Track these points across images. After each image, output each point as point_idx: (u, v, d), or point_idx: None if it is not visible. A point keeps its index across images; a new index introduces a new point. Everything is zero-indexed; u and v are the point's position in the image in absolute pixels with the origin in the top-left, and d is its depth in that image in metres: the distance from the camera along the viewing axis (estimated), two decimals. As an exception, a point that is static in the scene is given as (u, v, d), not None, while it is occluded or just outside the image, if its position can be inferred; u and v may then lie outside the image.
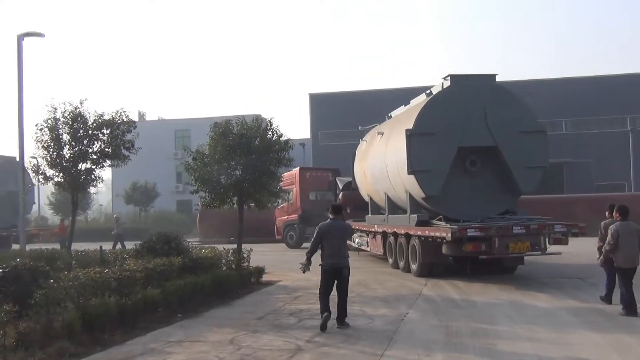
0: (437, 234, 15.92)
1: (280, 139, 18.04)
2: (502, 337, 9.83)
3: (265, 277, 18.98)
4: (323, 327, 10.59)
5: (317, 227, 11.26)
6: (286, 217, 32.91)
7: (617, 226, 11.30)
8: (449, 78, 17.38)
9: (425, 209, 17.80)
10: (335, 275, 10.97)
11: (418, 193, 17.43)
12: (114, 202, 72.86)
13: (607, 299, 12.39)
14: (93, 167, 19.30)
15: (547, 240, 16.11)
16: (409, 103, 20.89)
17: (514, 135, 16.86)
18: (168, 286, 12.74)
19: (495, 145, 16.78)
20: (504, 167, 16.98)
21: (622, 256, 11.26)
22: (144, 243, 15.34)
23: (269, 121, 18.10)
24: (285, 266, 23.10)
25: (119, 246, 30.64)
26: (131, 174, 53.51)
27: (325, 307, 10.78)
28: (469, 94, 16.99)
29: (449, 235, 15.14)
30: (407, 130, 16.96)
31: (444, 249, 16.39)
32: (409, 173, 16.98)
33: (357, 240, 24.44)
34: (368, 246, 23.42)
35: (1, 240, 35.35)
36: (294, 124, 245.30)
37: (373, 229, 22.00)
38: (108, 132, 18.96)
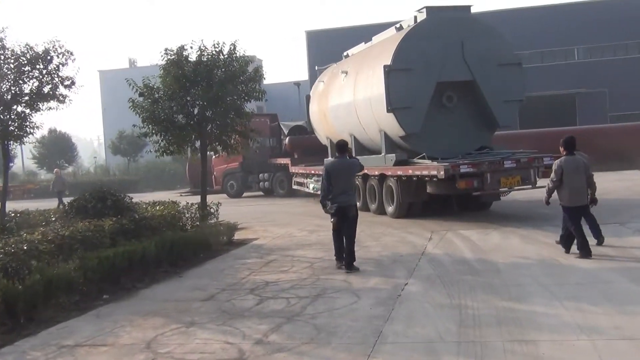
0: (426, 173, 15.30)
1: (247, 66, 14.75)
2: (542, 327, 6.66)
3: (241, 234, 16.06)
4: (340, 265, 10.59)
5: (324, 167, 10.97)
6: (225, 165, 30.78)
7: (562, 161, 10.41)
8: (424, 10, 16.55)
9: (400, 148, 17.21)
10: (343, 215, 10.50)
11: (395, 132, 16.78)
12: (107, 154, 69.90)
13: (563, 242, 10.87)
14: (27, 110, 16.03)
15: (536, 173, 15.54)
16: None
17: (491, 68, 16.36)
18: (89, 259, 9.64)
19: (472, 80, 16.27)
20: (481, 102, 16.52)
21: (567, 194, 10.35)
22: (72, 202, 12.22)
23: (233, 44, 14.73)
24: (268, 218, 20.14)
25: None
26: (121, 123, 50.11)
27: (339, 252, 10.69)
28: (446, 26, 16.34)
29: (442, 172, 14.46)
30: (385, 66, 16.08)
31: (431, 188, 15.88)
32: (388, 111, 16.15)
33: (312, 186, 23.53)
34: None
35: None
36: (292, 67, 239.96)
37: None
38: (41, 67, 15.60)
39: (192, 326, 7.59)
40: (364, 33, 20.79)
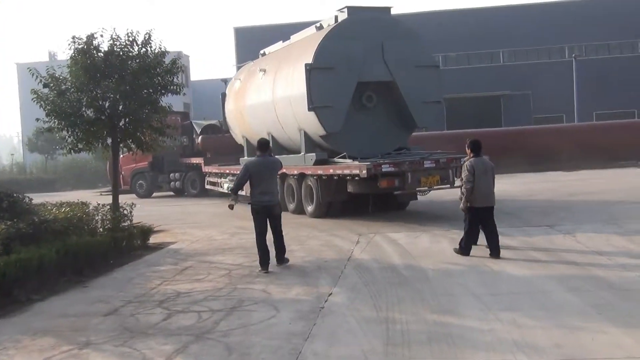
0: (348, 172, 15.30)
1: (164, 57, 13.76)
2: (477, 344, 6.04)
3: (158, 238, 15.10)
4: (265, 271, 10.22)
5: (243, 165, 10.88)
6: (134, 164, 29.59)
7: (473, 162, 10.35)
8: (345, 10, 16.57)
9: (320, 147, 17.16)
10: (267, 214, 10.47)
11: (315, 131, 16.74)
12: (24, 151, 66.78)
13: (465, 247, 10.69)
14: None
15: (454, 173, 15.61)
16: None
17: (409, 70, 16.56)
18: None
19: (392, 80, 16.39)
20: (400, 103, 16.67)
21: (478, 195, 10.27)
22: (-39, 205, 10.97)
23: (148, 34, 13.71)
24: (188, 220, 19.16)
25: None
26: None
27: (264, 255, 10.36)
28: (367, 26, 16.43)
29: (364, 171, 14.51)
30: (306, 65, 16.02)
31: (352, 187, 15.80)
32: (309, 109, 16.10)
33: (226, 185, 22.96)
34: (242, 190, 20.40)
35: None
36: (220, 64, 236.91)
37: None
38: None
39: (87, 347, 6.66)
40: (294, 31, 20.05)
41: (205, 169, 26.08)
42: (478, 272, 9.31)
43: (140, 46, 13.48)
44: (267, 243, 10.55)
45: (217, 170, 24.66)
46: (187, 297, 8.74)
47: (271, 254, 10.55)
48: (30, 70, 12.87)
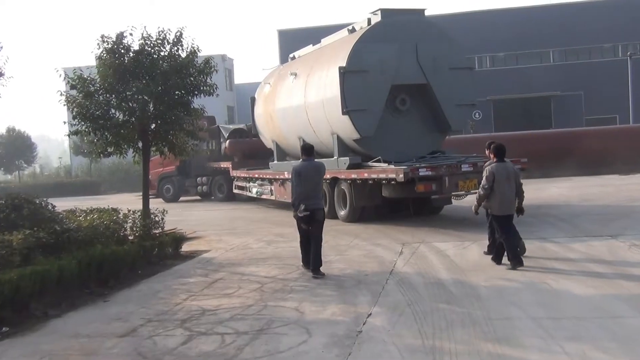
0: (383, 176, 15.07)
1: (196, 56, 13.07)
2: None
3: (192, 245, 14.49)
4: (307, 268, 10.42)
5: (292, 170, 10.71)
6: (161, 169, 29.41)
7: (493, 168, 9.95)
8: (379, 12, 16.41)
9: (353, 151, 16.99)
10: (309, 219, 10.28)
11: (349, 134, 16.55)
12: (70, 154, 67.43)
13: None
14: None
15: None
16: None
17: (444, 72, 16.34)
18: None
19: (426, 83, 16.21)
20: (434, 105, 16.48)
21: (498, 202, 9.89)
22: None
23: (179, 31, 13.01)
24: (227, 225, 18.48)
25: None
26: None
27: (305, 255, 10.51)
28: (400, 29, 16.26)
29: (401, 175, 14.29)
30: (340, 68, 15.88)
31: (387, 191, 15.58)
32: (343, 113, 15.92)
33: (255, 190, 23.20)
34: (272, 194, 21.79)
35: None
36: (266, 66, 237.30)
37: (282, 176, 20.11)
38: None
39: (92, 378, 5.93)
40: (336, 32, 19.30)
41: (233, 173, 25.91)
42: (535, 291, 8.33)
43: (171, 44, 12.80)
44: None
45: (245, 175, 24.51)
46: (212, 316, 7.96)
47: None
48: (57, 71, 12.34)
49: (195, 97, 13.33)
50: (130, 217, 12.88)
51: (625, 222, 14.01)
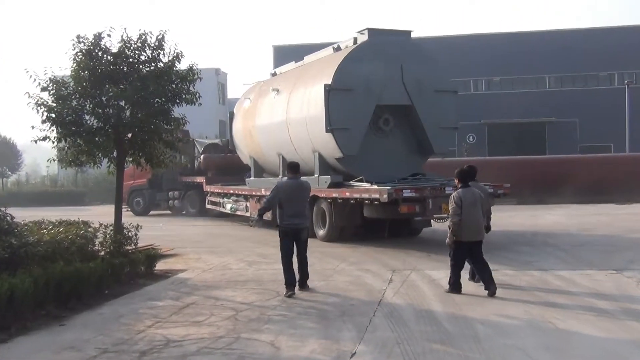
0: (366, 196, 14.83)
1: (178, 62, 12.24)
2: None
3: (168, 263, 13.62)
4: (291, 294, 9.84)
5: (274, 186, 10.51)
6: (132, 181, 28.67)
7: (460, 193, 9.62)
8: (365, 32, 16.40)
9: (334, 170, 16.76)
10: (295, 237, 10.25)
11: (331, 153, 16.41)
12: (57, 164, 66.04)
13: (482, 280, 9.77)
14: None
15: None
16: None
17: (428, 94, 16.36)
18: None
19: (410, 104, 16.16)
20: (417, 127, 16.51)
21: (465, 228, 9.49)
22: None
23: (161, 35, 12.16)
24: (208, 243, 17.57)
25: None
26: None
27: (290, 277, 10.06)
28: (387, 49, 16.24)
29: (385, 196, 14.00)
30: (325, 86, 15.74)
31: (368, 212, 15.36)
32: (327, 131, 15.75)
33: (229, 206, 22.97)
34: (247, 211, 21.48)
35: None
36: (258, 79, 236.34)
37: (259, 193, 19.89)
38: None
39: None
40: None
41: (207, 188, 25.52)
42: (539, 331, 7.47)
43: (152, 49, 11.96)
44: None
45: (219, 190, 24.20)
46: (176, 348, 7.06)
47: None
48: (27, 72, 11.45)
49: (176, 106, 12.48)
50: (101, 232, 12.02)
51: (630, 255, 13.20)
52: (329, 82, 15.83)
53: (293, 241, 10.24)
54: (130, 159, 12.79)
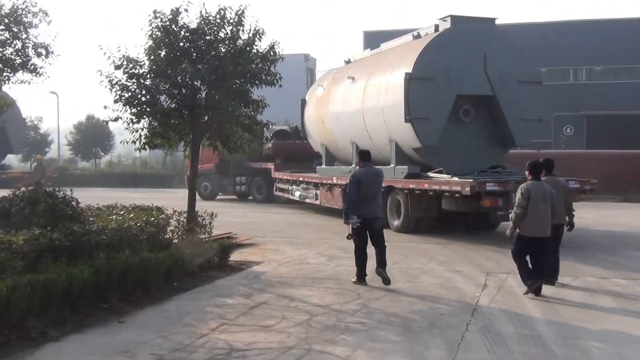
0: (446, 188, 14.51)
1: (259, 39, 11.37)
2: None
3: (245, 254, 12.88)
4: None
5: (351, 177, 10.08)
6: (200, 166, 27.54)
7: (529, 185, 9.20)
8: (448, 19, 15.94)
9: (411, 160, 16.52)
10: (368, 227, 9.86)
11: (409, 143, 16.10)
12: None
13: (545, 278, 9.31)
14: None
15: None
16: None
17: (511, 84, 15.89)
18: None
19: (492, 95, 15.77)
20: (499, 119, 16.04)
21: (530, 223, 9.05)
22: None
23: (241, 10, 11.29)
24: (288, 233, 16.79)
25: None
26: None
27: (362, 270, 9.89)
28: (470, 37, 15.81)
29: (467, 189, 13.61)
30: (406, 74, 15.37)
31: (447, 204, 15.10)
32: (406, 120, 15.39)
33: (298, 193, 22.91)
34: (317, 199, 21.33)
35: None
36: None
37: (330, 181, 19.76)
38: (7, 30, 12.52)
39: None
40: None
41: (276, 174, 25.37)
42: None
43: (232, 25, 11.11)
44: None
45: (288, 177, 24.11)
46: (239, 357, 6.20)
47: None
48: (101, 49, 10.85)
49: (256, 87, 11.64)
50: (174, 219, 11.38)
51: None
52: (409, 70, 15.46)
53: (366, 231, 9.85)
54: (207, 143, 12.06)
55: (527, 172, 9.47)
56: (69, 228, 8.43)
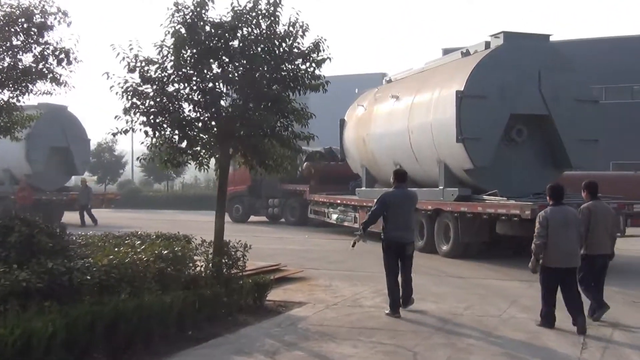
0: (503, 211, 14.05)
1: (302, 36, 9.43)
2: None
3: (291, 289, 11.31)
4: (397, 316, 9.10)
5: (380, 196, 9.75)
6: (232, 188, 26.84)
7: (547, 212, 8.54)
8: (501, 35, 15.68)
9: (461, 182, 16.10)
10: (399, 252, 9.44)
11: (459, 164, 15.73)
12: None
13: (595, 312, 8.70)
14: (11, 96, 11.56)
15: (625, 221, 14.19)
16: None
17: (567, 103, 15.46)
18: None
19: (547, 114, 15.35)
20: (553, 139, 15.64)
21: (553, 252, 8.30)
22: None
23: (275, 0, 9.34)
24: (349, 264, 14.78)
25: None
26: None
27: (394, 297, 9.27)
28: (524, 54, 15.45)
29: (527, 212, 13.03)
30: (457, 92, 15.00)
31: (502, 228, 14.51)
32: (458, 140, 15.02)
33: (335, 216, 22.51)
34: (355, 222, 20.61)
35: (46, 207, 29.21)
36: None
37: (371, 204, 18.08)
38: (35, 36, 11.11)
39: None
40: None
41: (311, 196, 25.02)
42: None
43: (264, 16, 9.20)
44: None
45: (324, 200, 23.72)
46: None
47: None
48: (114, 48, 9.15)
49: (298, 93, 9.70)
50: (202, 250, 9.61)
51: None
52: (461, 88, 15.01)
53: (397, 257, 9.45)
54: (242, 160, 10.18)
55: (547, 197, 8.88)
56: (43, 265, 6.67)
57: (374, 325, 8.61)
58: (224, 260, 9.50)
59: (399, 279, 9.42)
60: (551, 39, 16.25)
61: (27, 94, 11.58)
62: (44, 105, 28.68)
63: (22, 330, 5.75)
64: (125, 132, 9.24)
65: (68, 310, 6.41)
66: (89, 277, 6.88)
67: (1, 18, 10.69)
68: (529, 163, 15.69)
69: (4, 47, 10.85)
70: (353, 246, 9.76)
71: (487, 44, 16.01)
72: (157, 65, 9.17)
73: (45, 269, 6.62)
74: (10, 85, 11.32)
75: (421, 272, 12.91)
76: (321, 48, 9.47)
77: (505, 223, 14.30)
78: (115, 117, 9.13)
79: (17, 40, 10.95)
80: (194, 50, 9.23)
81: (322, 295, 10.83)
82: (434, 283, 12.05)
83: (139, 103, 9.01)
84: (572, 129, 15.41)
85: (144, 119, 9.11)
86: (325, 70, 9.91)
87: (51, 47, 11.19)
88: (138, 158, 10.97)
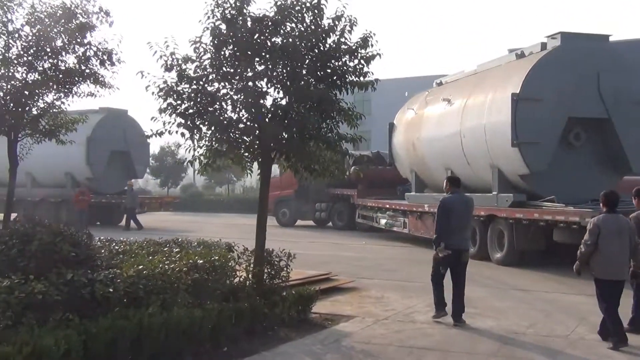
0: (561, 218, 13.60)
1: (350, 31, 8.78)
2: None
3: (340, 301, 10.69)
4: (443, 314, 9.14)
5: (440, 203, 9.50)
6: (278, 192, 27.87)
7: (599, 220, 8.07)
8: (558, 36, 15.13)
9: (515, 187, 15.65)
10: (454, 260, 9.10)
11: (514, 169, 15.34)
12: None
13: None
14: (55, 98, 11.33)
15: None
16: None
17: (628, 106, 15.03)
18: None
19: (607, 117, 14.95)
20: (613, 143, 15.23)
21: (602, 263, 7.93)
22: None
23: (322, -5, 8.69)
24: (404, 273, 14.04)
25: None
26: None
27: (440, 302, 9.20)
28: (581, 56, 14.99)
29: (587, 219, 11.63)
30: (513, 95, 14.61)
31: (560, 236, 13.93)
32: (513, 145, 14.62)
33: (384, 221, 22.29)
34: (405, 227, 20.63)
35: (106, 209, 29.53)
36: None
37: (421, 209, 19.14)
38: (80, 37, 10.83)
39: None
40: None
41: (359, 201, 24.88)
42: None
43: (307, 8, 8.59)
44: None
45: (373, 204, 23.55)
46: None
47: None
48: (151, 47, 8.69)
49: (346, 92, 9.06)
50: (243, 259, 9.08)
51: None
52: (517, 91, 14.60)
53: (449, 265, 9.15)
54: (287, 164, 9.61)
55: (601, 204, 8.45)
56: (63, 276, 6.22)
57: (426, 344, 7.89)
58: (266, 270, 8.97)
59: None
60: (610, 39, 15.75)
61: (70, 96, 11.39)
62: (104, 109, 29.18)
63: (32, 348, 5.28)
64: (161, 134, 8.78)
65: (87, 326, 5.95)
66: (111, 290, 6.39)
67: (44, 19, 10.50)
68: (587, 168, 15.24)
69: (47, 49, 10.65)
70: (442, 257, 9.16)
71: (544, 45, 15.51)
72: (196, 64, 8.72)
73: (64, 280, 6.17)
74: (54, 87, 11.15)
75: (478, 282, 12.14)
76: (370, 43, 8.83)
77: (564, 230, 13.82)
78: (152, 118, 8.68)
79: (60, 41, 10.73)
80: (235, 48, 8.73)
81: (372, 308, 10.16)
82: (494, 295, 11.24)
83: (175, 104, 8.53)
84: (632, 132, 15.02)
85: (181, 120, 8.63)
86: (375, 72, 9.28)
87: (94, 48, 10.96)
88: (177, 162, 10.55)
